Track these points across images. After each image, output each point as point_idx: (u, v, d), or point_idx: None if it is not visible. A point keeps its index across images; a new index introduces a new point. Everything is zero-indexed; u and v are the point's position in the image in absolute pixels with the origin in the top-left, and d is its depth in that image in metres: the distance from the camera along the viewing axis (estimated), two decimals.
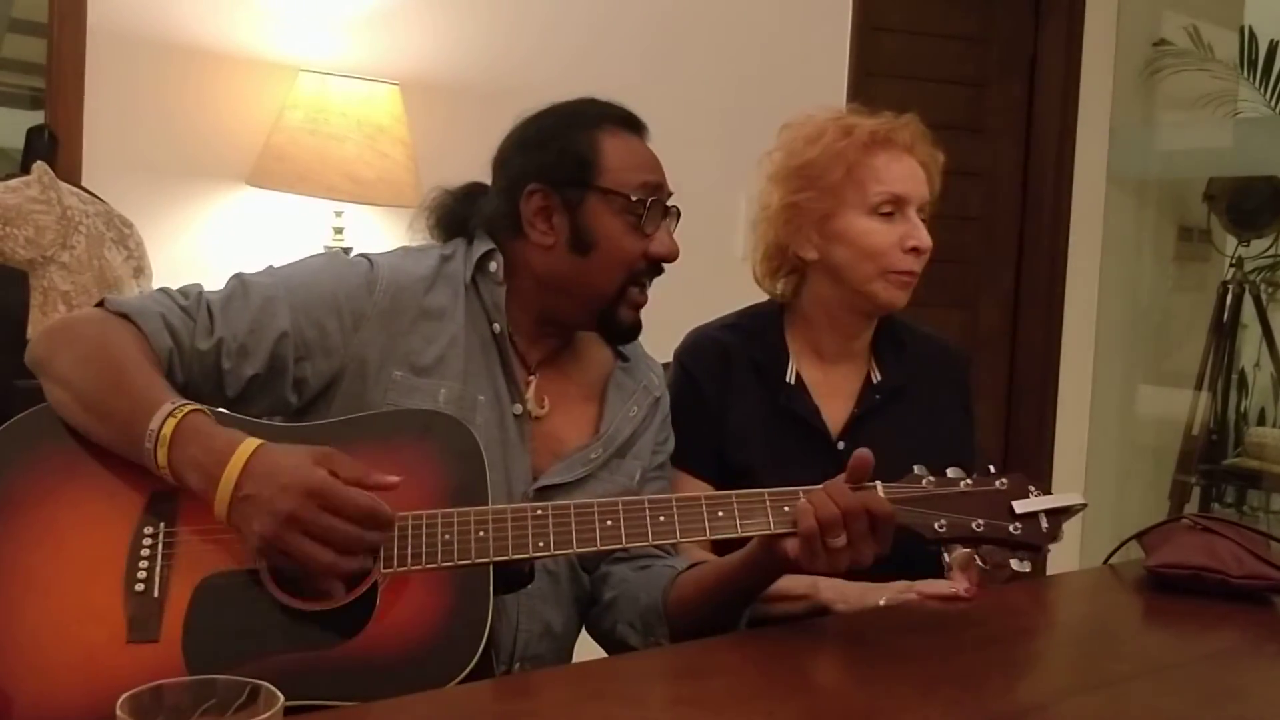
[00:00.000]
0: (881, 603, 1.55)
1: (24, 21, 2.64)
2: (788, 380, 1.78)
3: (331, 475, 1.21)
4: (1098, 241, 4.12)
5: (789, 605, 1.56)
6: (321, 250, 2.69)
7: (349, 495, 1.21)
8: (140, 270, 2.42)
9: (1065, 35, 4.04)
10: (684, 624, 1.45)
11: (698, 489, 1.72)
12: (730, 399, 1.77)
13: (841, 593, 1.56)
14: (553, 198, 1.53)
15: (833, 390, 1.80)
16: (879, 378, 1.81)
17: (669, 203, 1.57)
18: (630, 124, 1.58)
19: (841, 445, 1.76)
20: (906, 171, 1.75)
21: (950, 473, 1.37)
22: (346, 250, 2.69)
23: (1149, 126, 4.41)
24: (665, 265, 1.56)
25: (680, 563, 1.54)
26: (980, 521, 1.34)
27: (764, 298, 1.90)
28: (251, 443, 1.22)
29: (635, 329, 1.58)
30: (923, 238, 1.73)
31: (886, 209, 1.73)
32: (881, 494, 1.32)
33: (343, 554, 1.20)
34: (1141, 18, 4.25)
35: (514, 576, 1.34)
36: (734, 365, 1.79)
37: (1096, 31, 4.06)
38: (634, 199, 1.51)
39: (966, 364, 1.95)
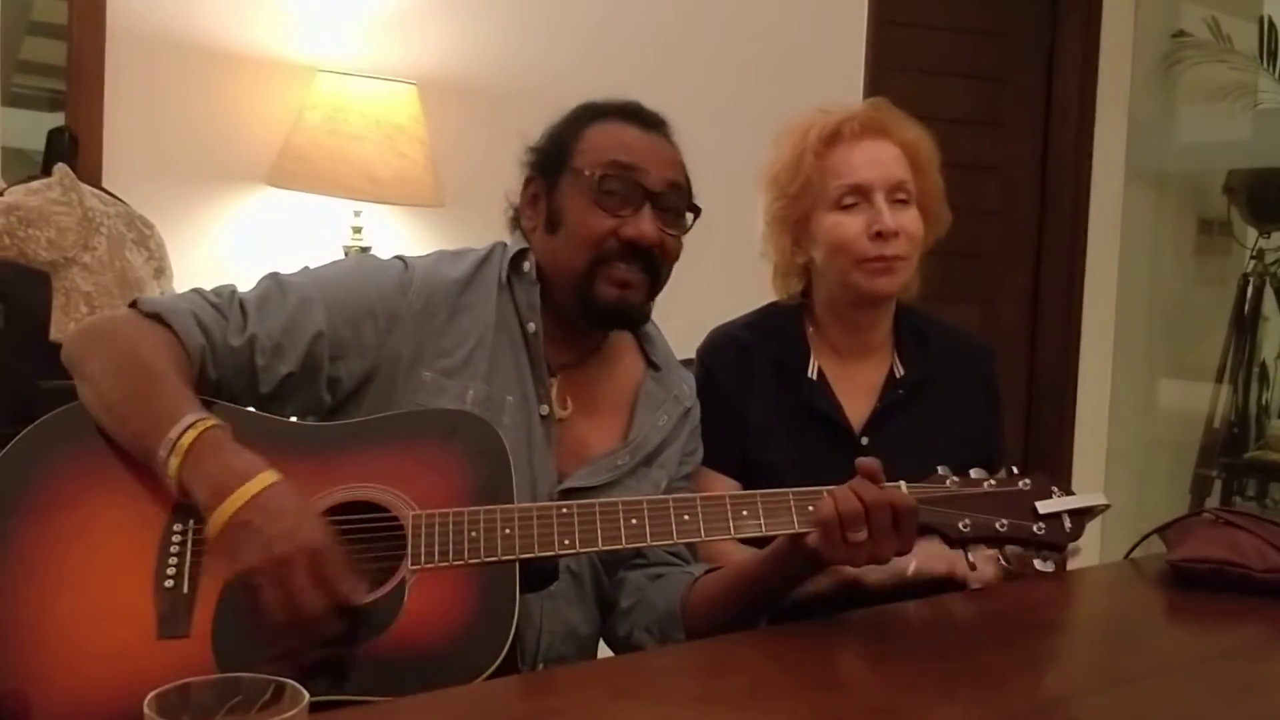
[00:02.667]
0: (910, 571, 1.55)
1: (43, 24, 2.66)
2: (809, 376, 1.78)
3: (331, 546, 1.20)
4: (1117, 235, 4.10)
5: (817, 583, 1.55)
6: (341, 250, 2.70)
7: (344, 576, 1.19)
8: (161, 271, 2.44)
9: (1083, 28, 4.02)
10: (704, 626, 1.45)
11: (723, 487, 1.72)
12: (751, 397, 1.77)
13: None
14: (539, 184, 1.58)
15: (854, 386, 1.80)
16: (901, 372, 1.81)
17: (666, 194, 1.53)
18: (631, 115, 1.58)
19: (865, 441, 1.76)
20: (864, 159, 1.75)
21: (974, 473, 1.37)
22: (365, 250, 2.70)
23: (1168, 119, 4.39)
24: (657, 254, 1.53)
25: (696, 568, 1.54)
26: (1004, 521, 1.34)
27: (773, 293, 1.91)
28: (272, 475, 1.22)
29: (619, 308, 1.53)
30: (885, 221, 1.71)
31: (849, 200, 1.74)
32: (905, 492, 1.32)
33: (301, 623, 1.17)
34: (1160, 9, 4.22)
35: (539, 574, 1.34)
36: (755, 363, 1.79)
37: (1114, 23, 4.04)
38: (589, 174, 1.51)
39: (991, 358, 1.93)
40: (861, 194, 1.73)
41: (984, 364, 1.91)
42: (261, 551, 1.17)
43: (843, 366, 1.81)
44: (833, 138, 1.76)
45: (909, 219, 1.74)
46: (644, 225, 1.51)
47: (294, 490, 1.23)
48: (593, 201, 1.51)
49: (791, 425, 1.76)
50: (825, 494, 1.31)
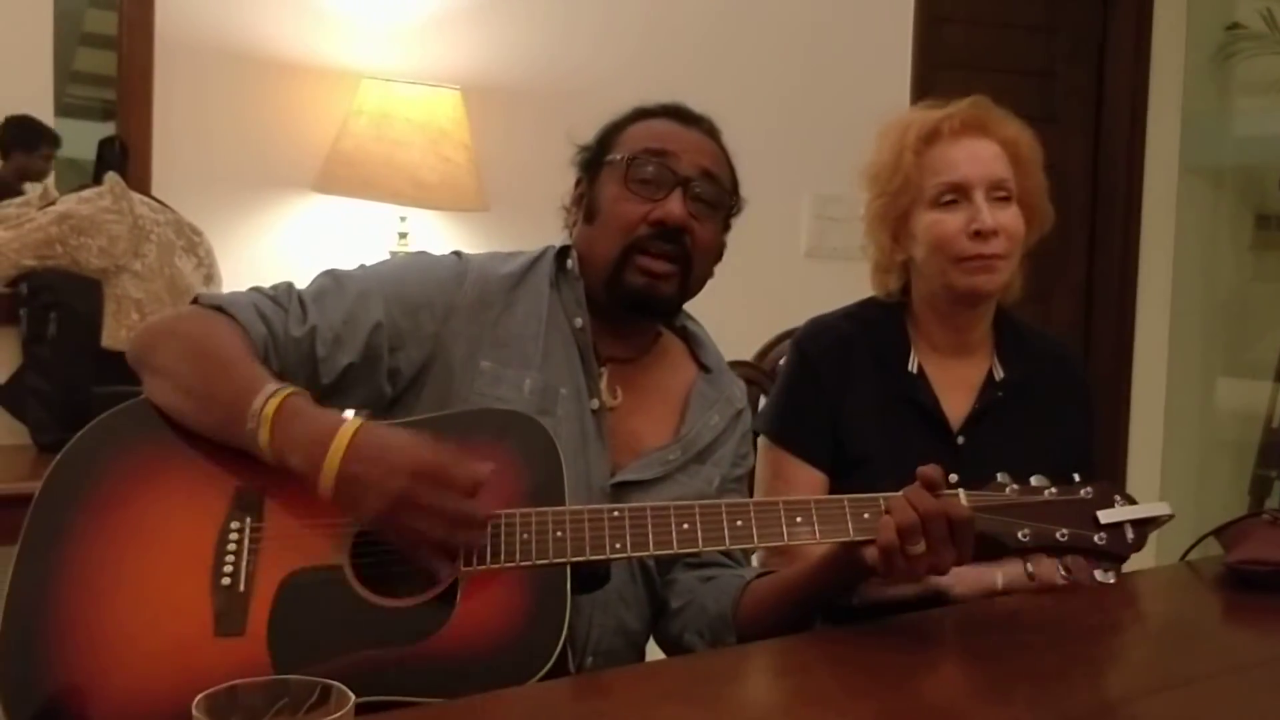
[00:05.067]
0: (999, 584, 1.53)
1: (94, 35, 2.69)
2: (910, 370, 1.77)
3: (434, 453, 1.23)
4: (1171, 231, 4.04)
5: (903, 588, 1.53)
6: (388, 255, 2.71)
7: (457, 469, 1.23)
8: (210, 278, 2.46)
9: (1134, 21, 3.97)
10: (756, 629, 1.44)
11: (809, 476, 1.72)
12: (849, 387, 1.75)
13: (958, 574, 1.54)
14: (584, 182, 1.62)
15: (953, 384, 1.78)
16: (1001, 374, 1.79)
17: (697, 180, 1.54)
18: (670, 113, 1.61)
19: (961, 440, 1.74)
20: (963, 156, 1.73)
21: (1034, 480, 1.35)
22: None
23: (1223, 112, 4.32)
24: (687, 240, 1.53)
25: (748, 571, 1.54)
26: (1065, 531, 1.31)
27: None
28: (354, 422, 1.24)
29: (647, 296, 1.54)
30: (984, 219, 1.69)
31: (948, 198, 1.72)
32: (964, 501, 1.30)
33: (454, 529, 1.22)
34: (1213, 1, 4.16)
35: (591, 577, 1.34)
36: (854, 353, 1.77)
37: (1167, 16, 3.98)
38: (620, 157, 1.55)
39: (1084, 368, 1.93)
40: (961, 192, 1.72)
41: (1080, 372, 1.92)
42: (381, 497, 1.20)
43: (942, 364, 1.79)
44: (932, 135, 1.75)
45: (1009, 217, 1.72)
46: (672, 206, 1.52)
47: (379, 428, 1.26)
48: (625, 187, 1.54)
49: (888, 419, 1.74)
50: (883, 506, 1.30)
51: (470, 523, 1.23)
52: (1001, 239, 1.71)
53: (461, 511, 1.22)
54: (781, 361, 2.09)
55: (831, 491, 1.67)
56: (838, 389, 1.75)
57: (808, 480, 1.72)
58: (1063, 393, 1.84)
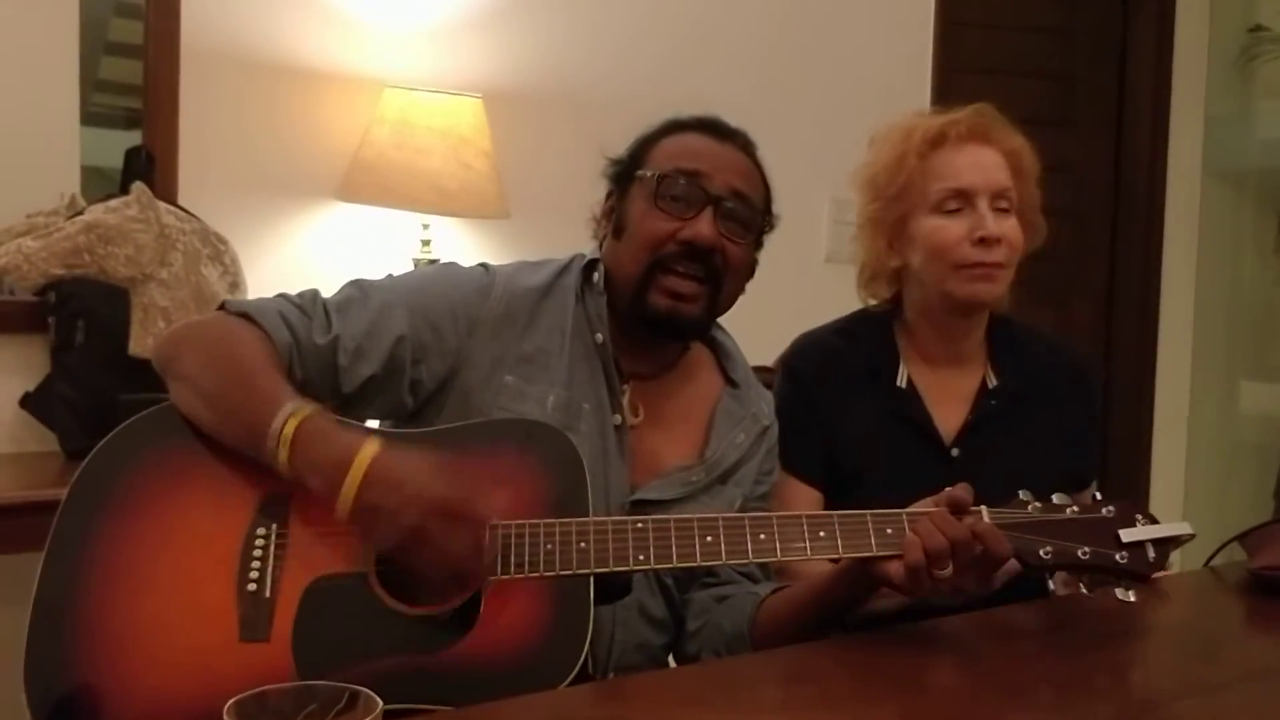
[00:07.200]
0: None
1: (120, 44, 2.72)
2: (899, 385, 1.76)
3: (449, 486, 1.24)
4: (1194, 235, 4.02)
5: (890, 603, 1.53)
6: (411, 262, 2.73)
7: (468, 507, 1.24)
8: (236, 285, 2.48)
9: (1156, 23, 3.95)
10: (772, 645, 1.44)
11: (805, 494, 1.72)
12: (841, 404, 1.75)
13: None
14: (614, 195, 1.60)
15: (946, 395, 1.77)
16: (995, 383, 1.78)
17: (729, 200, 1.52)
18: (706, 127, 1.59)
19: (956, 452, 1.73)
20: (968, 162, 1.73)
21: (1056, 499, 1.35)
22: (433, 262, 2.73)
23: (1246, 115, 4.29)
24: (718, 260, 1.51)
25: (763, 588, 1.53)
26: (1086, 549, 1.32)
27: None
28: (371, 448, 1.24)
29: (671, 318, 1.52)
30: (989, 227, 1.69)
31: (952, 205, 1.72)
32: (987, 519, 1.31)
33: (460, 564, 1.23)
34: (1235, 3, 4.14)
35: (613, 588, 1.34)
36: (844, 369, 1.77)
37: (1188, 18, 3.97)
38: (650, 175, 1.53)
39: (1091, 371, 1.89)
40: (964, 198, 1.71)
41: (1083, 378, 1.88)
42: (395, 529, 1.21)
43: (934, 375, 1.78)
44: (937, 140, 1.74)
45: (1010, 227, 1.72)
46: (702, 226, 1.50)
47: (396, 454, 1.25)
48: (653, 204, 1.52)
49: (882, 434, 1.73)
50: (906, 525, 1.30)
51: (474, 560, 1.24)
52: (1003, 248, 1.70)
53: (469, 550, 1.23)
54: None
55: (826, 509, 1.66)
56: (829, 406, 1.74)
57: (803, 497, 1.72)
58: (1063, 397, 1.82)
